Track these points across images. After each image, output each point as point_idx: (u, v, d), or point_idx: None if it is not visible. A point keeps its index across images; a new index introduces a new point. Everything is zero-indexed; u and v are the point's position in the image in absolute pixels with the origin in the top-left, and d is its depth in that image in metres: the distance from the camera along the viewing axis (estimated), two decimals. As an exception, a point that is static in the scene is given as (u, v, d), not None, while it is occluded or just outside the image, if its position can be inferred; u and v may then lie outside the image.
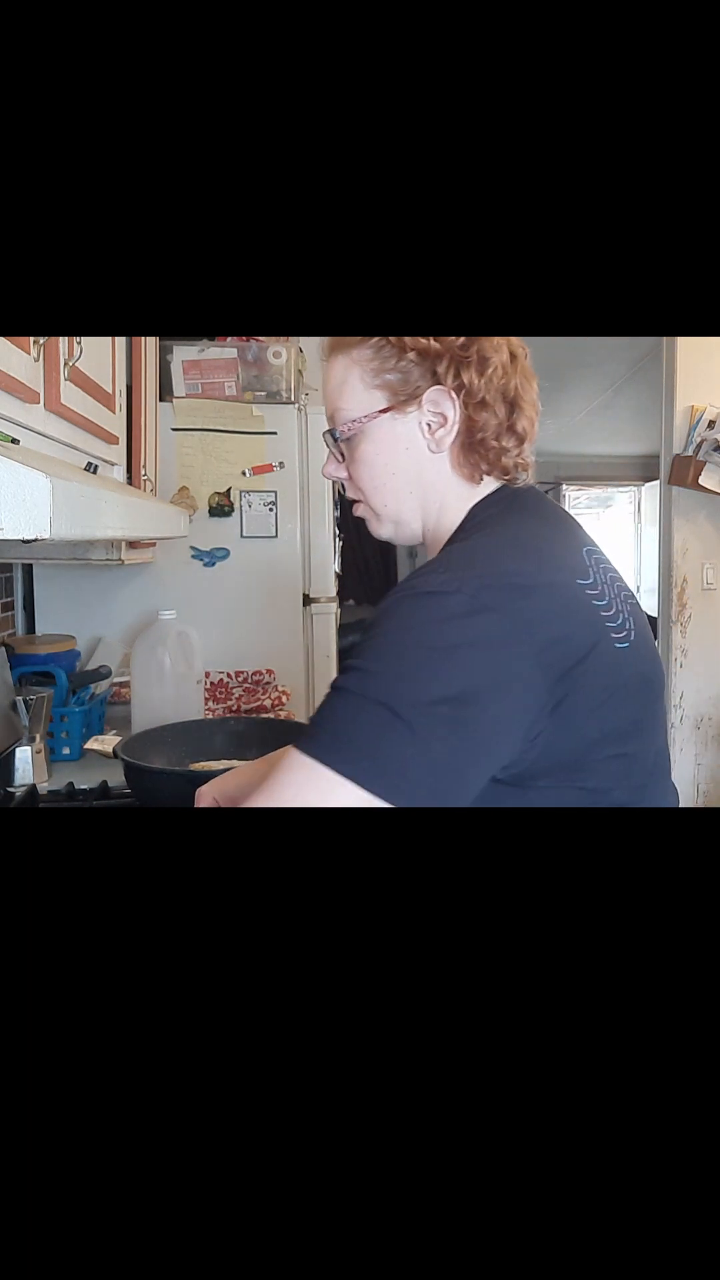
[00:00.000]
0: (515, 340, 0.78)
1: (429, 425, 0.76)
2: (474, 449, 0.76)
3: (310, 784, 0.59)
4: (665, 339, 3.07)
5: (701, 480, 2.98)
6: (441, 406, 0.75)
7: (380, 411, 0.76)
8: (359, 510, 0.84)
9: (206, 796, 0.97)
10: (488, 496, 0.78)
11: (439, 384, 0.75)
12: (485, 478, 0.78)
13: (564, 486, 6.26)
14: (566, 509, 6.04)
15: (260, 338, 2.10)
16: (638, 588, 6.15)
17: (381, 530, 0.83)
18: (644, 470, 5.93)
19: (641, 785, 0.71)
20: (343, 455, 0.81)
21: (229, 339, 2.10)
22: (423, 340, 0.74)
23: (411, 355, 0.74)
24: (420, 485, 0.78)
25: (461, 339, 0.74)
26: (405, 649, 0.61)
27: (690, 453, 2.99)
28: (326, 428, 0.82)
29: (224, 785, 0.97)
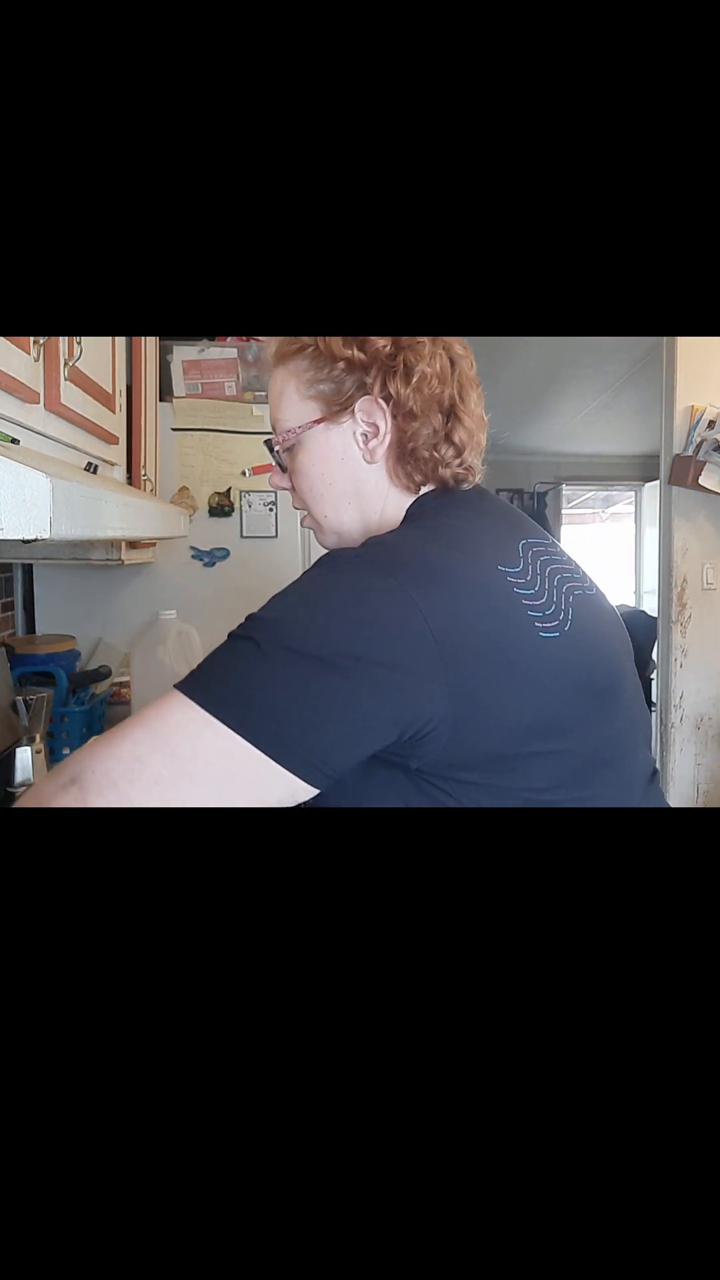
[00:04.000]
0: (457, 345, 0.77)
1: (363, 435, 0.76)
2: (407, 459, 0.76)
3: (166, 708, 0.59)
4: (665, 339, 3.06)
5: (701, 480, 2.98)
6: (373, 416, 0.75)
7: (314, 422, 0.76)
8: (305, 522, 0.84)
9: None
10: (426, 494, 0.77)
11: (369, 393, 0.74)
12: (422, 488, 0.77)
13: (564, 486, 6.25)
14: (560, 509, 6.05)
15: (260, 338, 2.10)
16: (637, 588, 6.16)
17: (326, 541, 0.82)
18: (644, 470, 5.93)
19: (588, 780, 0.68)
20: (284, 466, 0.81)
21: (229, 339, 2.10)
22: (348, 350, 0.73)
23: (341, 364, 0.74)
24: (358, 496, 0.78)
25: (390, 347, 0.73)
26: (296, 601, 0.63)
27: (690, 453, 2.99)
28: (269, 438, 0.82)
29: None
